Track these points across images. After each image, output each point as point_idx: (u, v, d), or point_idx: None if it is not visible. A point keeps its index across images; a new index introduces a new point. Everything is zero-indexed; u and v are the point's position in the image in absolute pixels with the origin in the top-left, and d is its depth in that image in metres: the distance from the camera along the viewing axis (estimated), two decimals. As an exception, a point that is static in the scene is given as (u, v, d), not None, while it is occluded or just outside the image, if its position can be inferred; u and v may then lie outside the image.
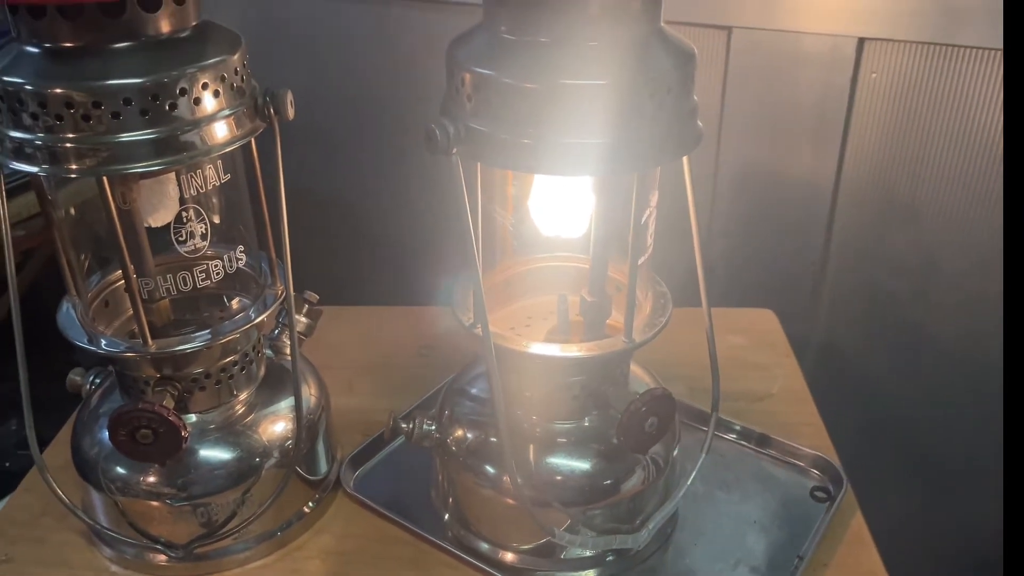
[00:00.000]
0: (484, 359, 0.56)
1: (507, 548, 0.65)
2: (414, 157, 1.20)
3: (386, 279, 1.30)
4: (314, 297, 0.74)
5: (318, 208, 1.34)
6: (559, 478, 0.62)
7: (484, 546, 0.66)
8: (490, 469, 0.63)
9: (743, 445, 0.77)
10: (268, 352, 0.71)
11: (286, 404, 0.68)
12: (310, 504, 0.69)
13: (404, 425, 0.67)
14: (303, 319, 0.74)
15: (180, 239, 0.57)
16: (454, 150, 0.51)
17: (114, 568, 0.66)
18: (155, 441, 0.58)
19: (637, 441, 0.59)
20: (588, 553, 0.64)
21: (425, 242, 1.22)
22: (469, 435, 0.65)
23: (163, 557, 0.64)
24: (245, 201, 0.61)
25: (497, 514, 0.64)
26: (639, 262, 0.57)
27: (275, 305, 0.63)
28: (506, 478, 0.62)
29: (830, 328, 1.20)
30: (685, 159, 0.57)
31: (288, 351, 0.73)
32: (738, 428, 0.78)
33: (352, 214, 1.34)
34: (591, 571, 0.65)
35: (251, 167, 0.59)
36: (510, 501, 0.62)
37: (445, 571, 0.65)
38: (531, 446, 0.63)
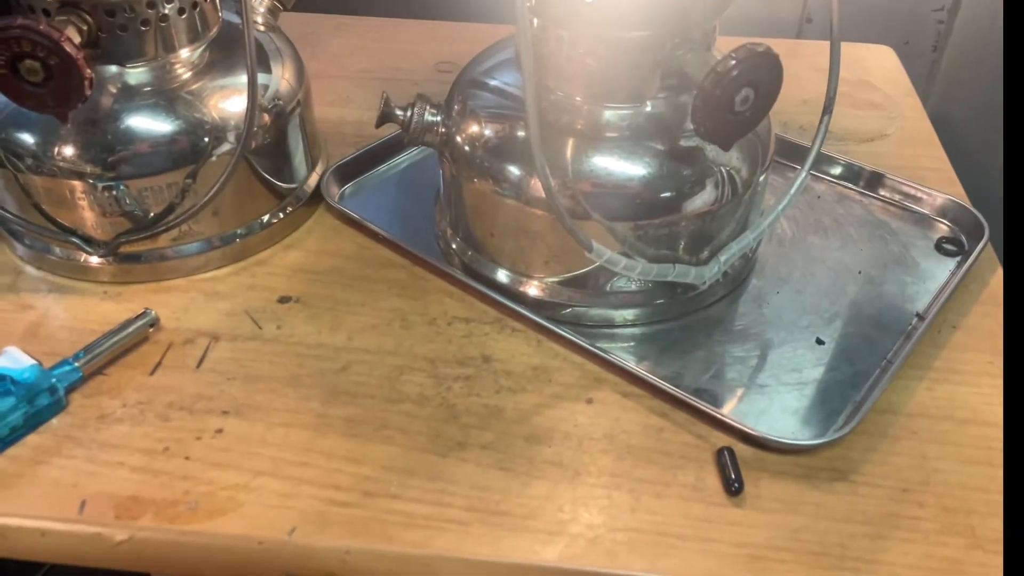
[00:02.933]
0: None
1: (531, 276, 0.49)
2: None
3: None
4: (296, -50, 0.56)
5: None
6: (604, 183, 0.45)
7: (502, 274, 0.50)
8: (514, 171, 0.46)
9: (848, 187, 0.59)
10: (232, 18, 0.53)
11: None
12: (279, 214, 0.54)
13: (400, 113, 0.50)
14: (280, -22, 0.55)
15: None
16: None
17: (29, 269, 0.52)
18: (47, 81, 0.41)
19: (721, 124, 0.41)
20: (633, 286, 0.48)
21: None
22: (487, 131, 0.48)
23: (93, 259, 0.50)
24: None
25: (522, 231, 0.48)
26: None
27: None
28: (534, 180, 0.46)
29: (946, 99, 0.99)
30: None
31: (260, 19, 0.55)
32: (842, 163, 0.60)
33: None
34: (631, 311, 0.49)
35: None
36: (538, 212, 0.46)
37: (446, 301, 0.50)
38: (570, 140, 0.46)
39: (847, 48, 0.77)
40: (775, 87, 0.41)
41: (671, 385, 0.44)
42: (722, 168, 0.46)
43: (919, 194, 0.57)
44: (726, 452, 0.41)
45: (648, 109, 0.45)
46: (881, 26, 0.96)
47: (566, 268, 0.48)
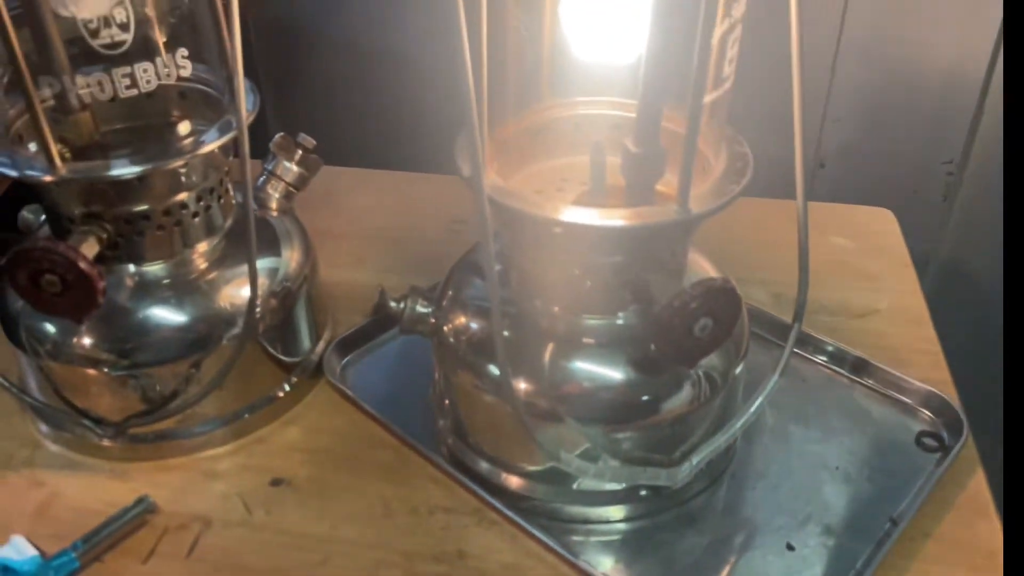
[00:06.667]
0: (478, 221, 0.41)
1: (511, 470, 0.51)
2: None
3: (421, 143, 1.12)
4: (309, 142, 0.60)
5: (340, 56, 1.10)
6: (577, 388, 0.47)
7: (483, 464, 0.52)
8: (493, 370, 0.49)
9: (834, 370, 0.60)
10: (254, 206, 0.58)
11: (262, 265, 0.56)
12: (284, 388, 0.57)
13: (393, 304, 0.53)
14: (294, 167, 0.60)
15: (91, 27, 0.43)
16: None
17: (47, 443, 0.55)
18: (65, 291, 0.46)
19: (680, 350, 0.43)
20: (612, 486, 0.50)
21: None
22: (473, 324, 0.51)
23: (106, 440, 0.54)
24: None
25: (500, 426, 0.50)
26: (705, 100, 0.40)
27: (230, 135, 0.49)
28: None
29: (959, 247, 1.00)
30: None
31: (274, 204, 0.60)
32: (830, 348, 0.61)
33: (383, 66, 1.12)
34: (615, 507, 0.50)
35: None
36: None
37: (429, 487, 0.52)
38: (549, 345, 0.48)
39: (844, 211, 0.80)
40: (734, 315, 0.44)
41: (635, 594, 0.45)
42: (696, 370, 0.48)
43: (903, 383, 0.58)
44: (683, 673, 0.41)
45: (620, 322, 0.48)
46: (887, 176, 0.98)
47: (544, 464, 0.50)
